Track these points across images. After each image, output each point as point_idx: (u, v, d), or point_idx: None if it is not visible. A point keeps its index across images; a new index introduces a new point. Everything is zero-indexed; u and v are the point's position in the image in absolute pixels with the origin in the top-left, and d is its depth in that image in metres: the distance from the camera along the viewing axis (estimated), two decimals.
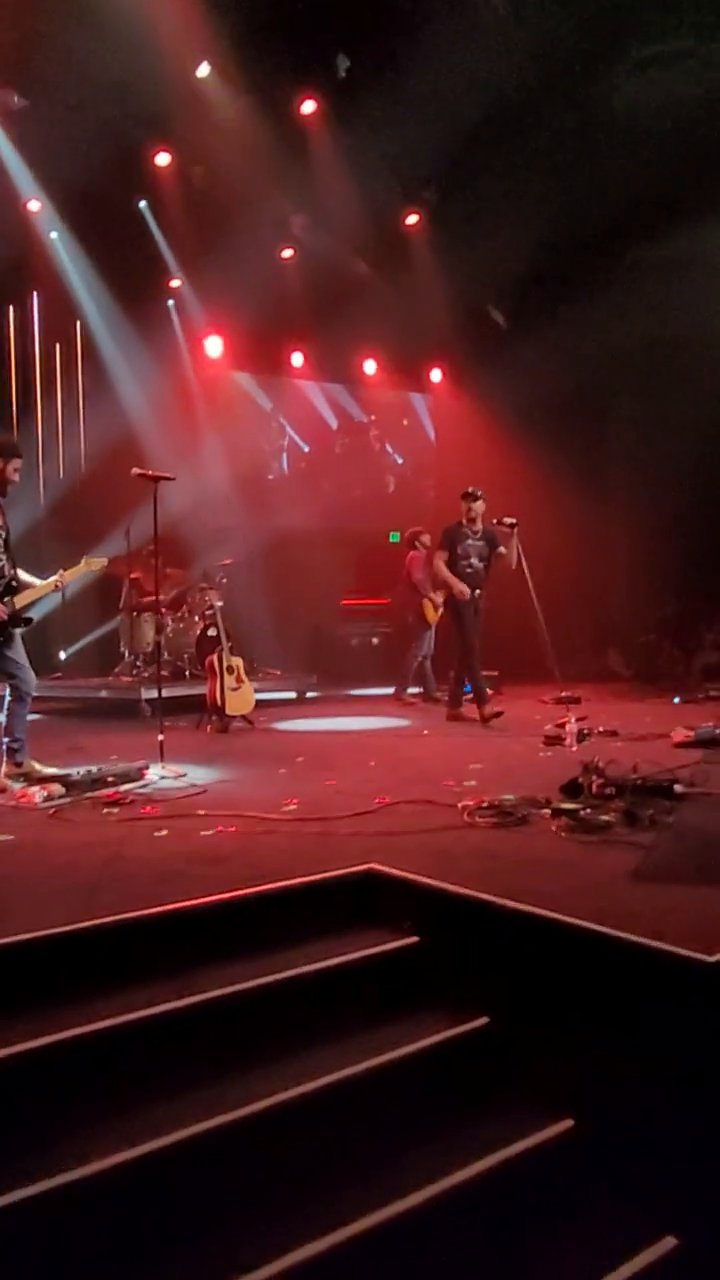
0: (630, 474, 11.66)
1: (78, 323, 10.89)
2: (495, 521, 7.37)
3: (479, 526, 7.49)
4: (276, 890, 2.99)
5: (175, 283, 11.24)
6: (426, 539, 9.57)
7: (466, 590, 7.34)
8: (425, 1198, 2.25)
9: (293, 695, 9.74)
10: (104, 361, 10.71)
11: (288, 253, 11.40)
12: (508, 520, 7.31)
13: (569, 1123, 2.49)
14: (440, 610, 9.38)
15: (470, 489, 7.59)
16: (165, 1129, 2.23)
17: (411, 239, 11.26)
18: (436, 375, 13.60)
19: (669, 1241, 2.24)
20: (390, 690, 9.70)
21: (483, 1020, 2.73)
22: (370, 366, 13.22)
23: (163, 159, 9.71)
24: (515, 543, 7.28)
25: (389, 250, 11.20)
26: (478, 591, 7.42)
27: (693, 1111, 2.33)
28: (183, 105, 8.86)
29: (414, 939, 2.96)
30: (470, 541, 7.46)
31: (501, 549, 7.39)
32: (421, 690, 9.45)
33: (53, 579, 5.23)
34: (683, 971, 2.36)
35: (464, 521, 7.50)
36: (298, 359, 12.70)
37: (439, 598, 9.38)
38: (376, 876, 3.14)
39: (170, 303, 11.47)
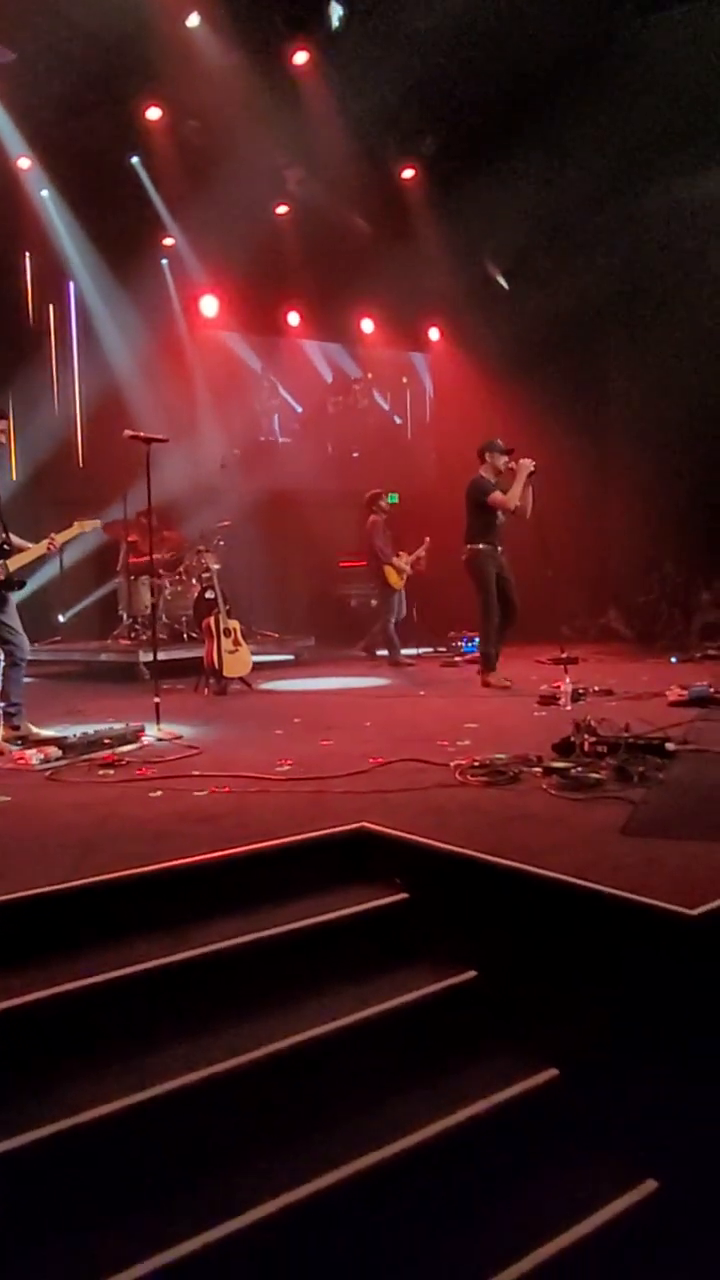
0: (630, 434, 11.58)
1: (70, 283, 10.77)
2: (507, 465, 7.16)
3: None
4: (267, 848, 3.02)
5: (169, 241, 11.09)
6: (385, 503, 9.50)
7: (527, 502, 7.02)
8: (414, 1142, 2.31)
9: (290, 657, 9.75)
10: (96, 322, 10.60)
11: (283, 209, 11.23)
12: (526, 463, 7.06)
13: (553, 1072, 2.54)
14: (405, 574, 9.38)
15: (496, 441, 7.30)
16: (159, 1079, 2.28)
17: (408, 193, 11.07)
18: (434, 334, 13.45)
19: (649, 1184, 2.31)
20: (409, 650, 9.70)
21: (470, 974, 2.77)
22: (368, 325, 13.08)
23: (154, 114, 9.54)
24: (530, 489, 7.03)
25: (386, 205, 11.02)
26: (500, 549, 7.22)
27: (673, 1061, 2.38)
28: (173, 58, 8.68)
29: (404, 895, 3.00)
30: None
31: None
32: (387, 654, 9.41)
33: (45, 542, 5.23)
34: (666, 925, 2.39)
35: (489, 475, 7.20)
36: (294, 318, 12.57)
37: (400, 561, 9.37)
38: (367, 834, 3.17)
39: (164, 261, 11.33)
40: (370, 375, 13.57)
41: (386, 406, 13.78)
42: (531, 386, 11.16)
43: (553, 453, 7.90)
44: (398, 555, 9.45)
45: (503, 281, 11.34)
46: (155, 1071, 2.31)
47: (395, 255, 11.23)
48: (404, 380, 13.83)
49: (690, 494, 10.72)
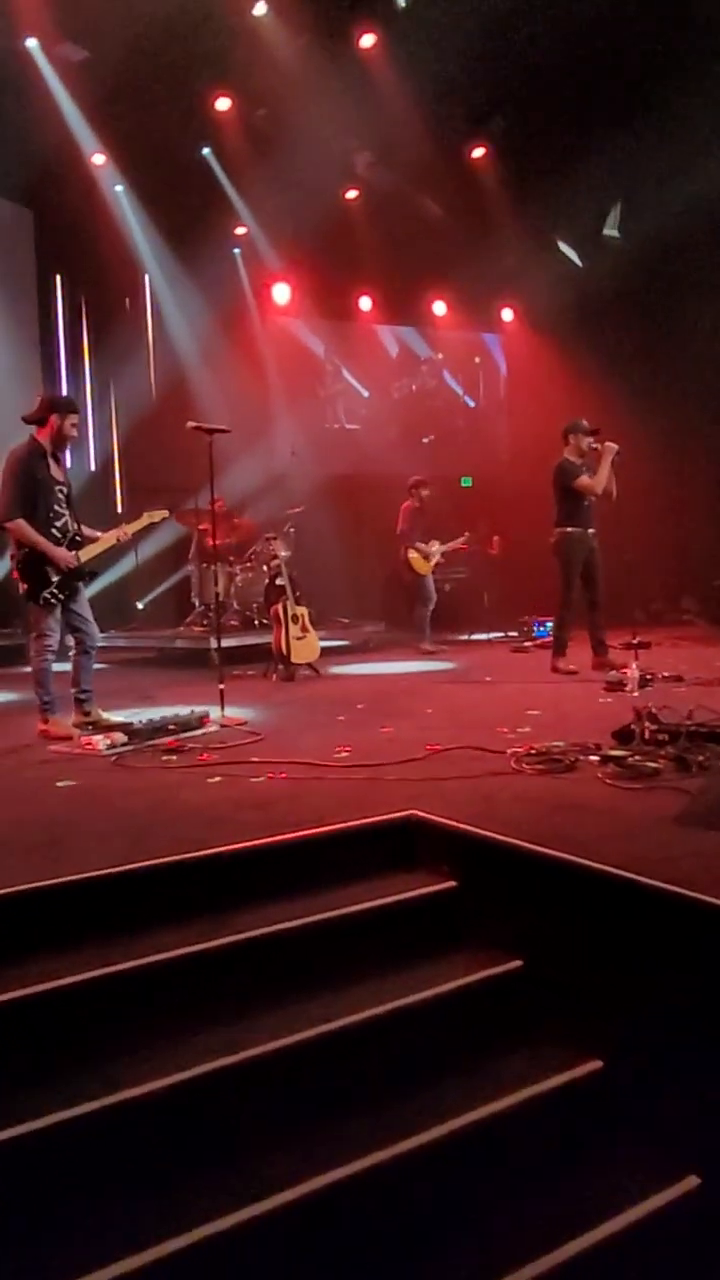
0: (709, 411, 11.23)
1: (145, 275, 10.96)
2: (591, 447, 7.02)
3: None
4: (316, 835, 3.06)
5: (241, 230, 11.18)
6: (426, 492, 9.38)
7: (612, 484, 6.90)
8: (454, 1128, 2.33)
9: (357, 642, 9.78)
10: (170, 314, 10.77)
11: (353, 194, 11.21)
12: (611, 445, 6.92)
13: (598, 1064, 2.53)
14: (433, 560, 9.25)
15: (581, 422, 7.16)
16: (202, 1059, 2.34)
17: (479, 173, 10.92)
18: (508, 314, 13.26)
19: (692, 1180, 2.28)
20: (479, 635, 9.64)
21: (517, 963, 2.77)
22: (440, 308, 12.98)
23: (223, 104, 9.62)
24: (611, 470, 6.88)
25: (456, 186, 10.90)
26: (591, 531, 7.08)
27: (711, 1058, 2.33)
28: (241, 47, 8.74)
29: (452, 883, 3.01)
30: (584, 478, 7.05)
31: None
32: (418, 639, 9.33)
33: (114, 532, 5.36)
34: (711, 918, 2.34)
35: (574, 457, 7.06)
36: (366, 303, 12.56)
37: (428, 548, 9.25)
38: (417, 822, 3.19)
39: (236, 251, 11.43)
40: (442, 357, 13.47)
41: (460, 389, 13.66)
42: (607, 365, 10.93)
43: (630, 432, 7.71)
44: (426, 542, 9.34)
45: (575, 258, 11.10)
46: (200, 1052, 2.37)
47: (466, 236, 11.11)
48: (477, 361, 13.68)
49: None
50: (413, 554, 9.31)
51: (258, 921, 2.72)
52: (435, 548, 9.42)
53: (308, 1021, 2.48)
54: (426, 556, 9.33)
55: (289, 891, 2.89)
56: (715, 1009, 2.36)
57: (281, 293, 11.76)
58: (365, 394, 12.97)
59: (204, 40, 8.51)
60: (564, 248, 11.28)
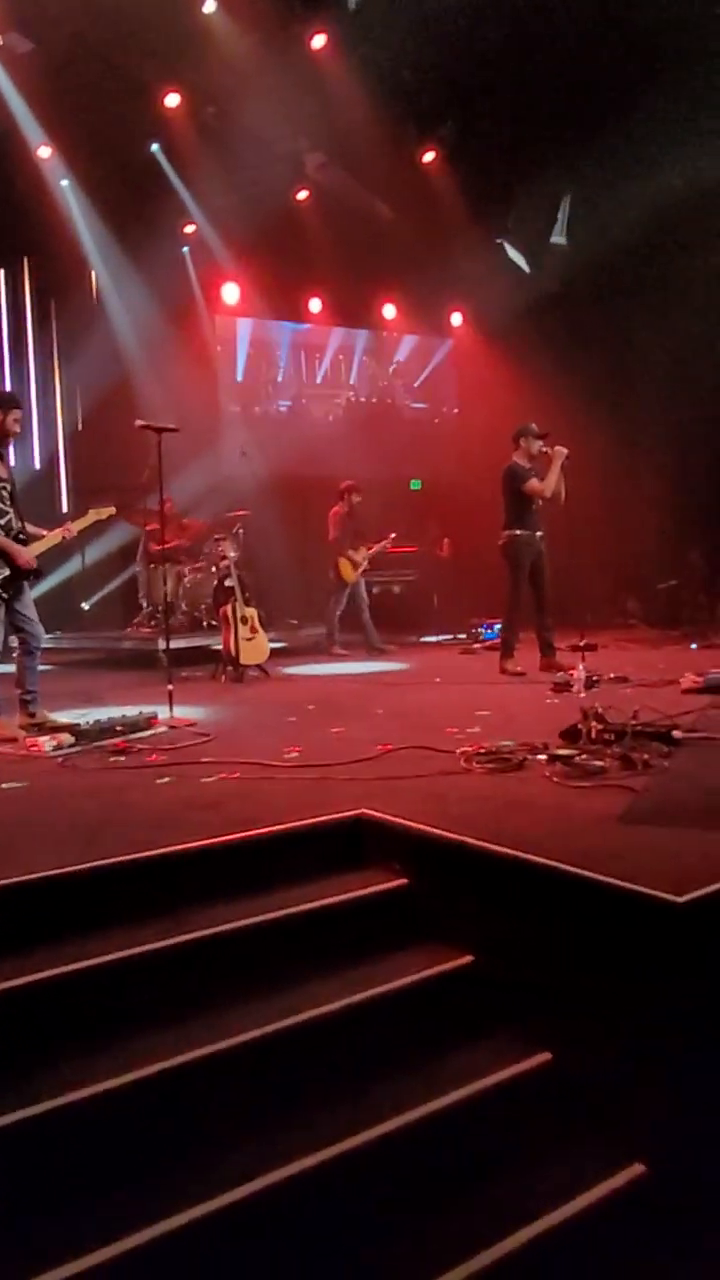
0: (655, 417, 11.46)
1: (92, 271, 10.83)
2: (541, 450, 7.11)
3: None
4: (267, 834, 3.07)
5: (190, 228, 11.12)
6: (357, 498, 9.41)
7: (560, 488, 6.99)
8: (407, 1121, 2.35)
9: (307, 644, 9.79)
10: (116, 311, 10.66)
11: (303, 194, 11.22)
12: (561, 450, 7.03)
13: (547, 1056, 2.57)
14: (360, 568, 9.30)
15: (530, 425, 7.24)
16: (155, 1059, 2.33)
17: (430, 177, 11.01)
18: (457, 318, 13.38)
19: (637, 1168, 2.33)
20: (393, 647, 9.71)
21: (467, 959, 2.80)
22: (390, 311, 13.06)
23: (173, 100, 9.55)
24: (561, 474, 6.98)
25: (407, 189, 10.97)
26: (539, 534, 7.17)
27: (663, 1047, 2.39)
28: (191, 44, 8.70)
29: (402, 881, 3.03)
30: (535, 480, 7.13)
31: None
32: (364, 639, 9.40)
33: (59, 530, 5.30)
34: (655, 912, 2.40)
35: (524, 460, 7.15)
36: (316, 304, 12.57)
37: (358, 556, 9.30)
38: (367, 821, 3.20)
39: (185, 249, 11.36)
40: (396, 361, 13.54)
41: (421, 406, 13.76)
42: (555, 370, 11.08)
43: (578, 437, 7.84)
44: (355, 549, 9.37)
45: (523, 264, 11.25)
46: (152, 1051, 2.36)
47: (417, 239, 11.20)
48: (427, 366, 13.78)
49: (717, 477, 10.61)
50: (343, 561, 9.31)
51: (211, 920, 2.72)
52: (363, 554, 9.43)
53: (262, 1019, 2.48)
54: (355, 565, 9.34)
55: (242, 891, 2.89)
56: (661, 1001, 2.42)
57: (231, 292, 11.72)
58: (316, 396, 12.98)
59: (153, 36, 8.46)
60: (512, 253, 11.42)
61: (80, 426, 10.74)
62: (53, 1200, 2.06)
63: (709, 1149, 2.35)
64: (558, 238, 10.90)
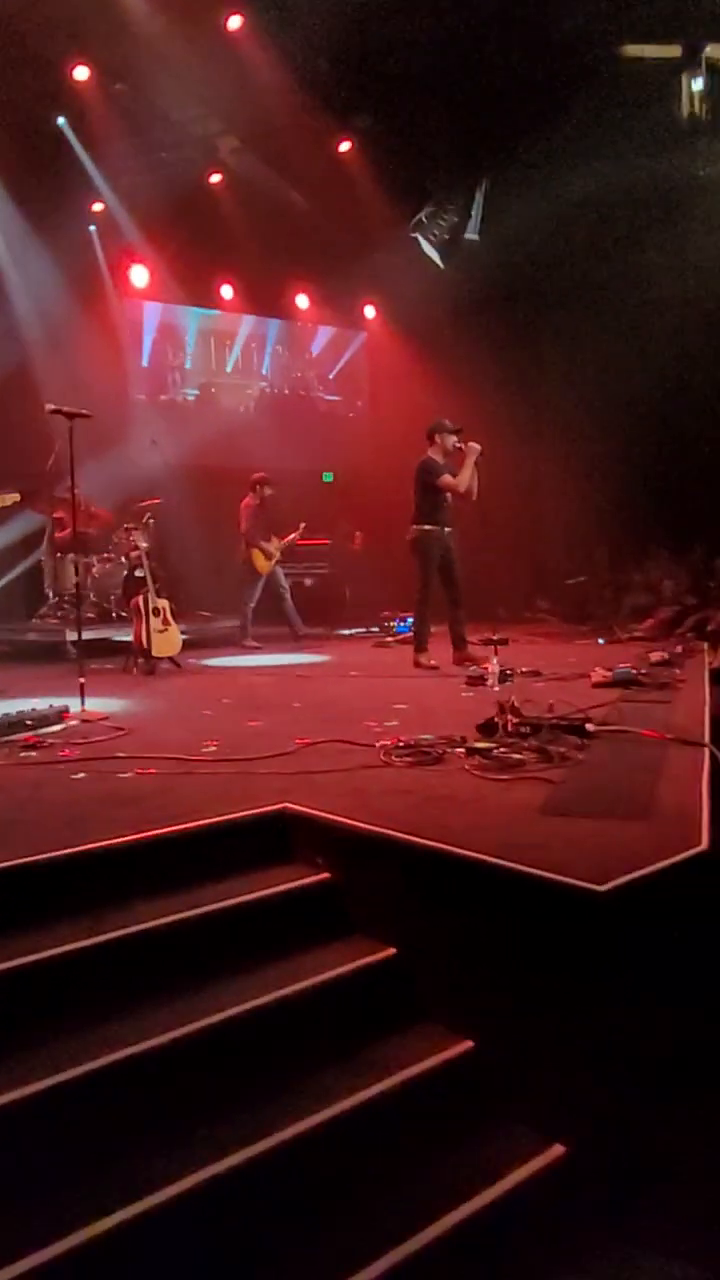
0: (565, 415, 11.72)
1: None
2: (456, 447, 7.14)
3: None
4: (189, 830, 3.02)
5: (98, 206, 10.81)
6: (269, 490, 9.43)
7: (474, 484, 7.03)
8: (336, 1112, 2.36)
9: (220, 636, 9.68)
10: (16, 290, 10.28)
11: (216, 178, 11.05)
12: (474, 446, 7.08)
13: (469, 1044, 2.61)
14: (274, 559, 9.34)
15: (445, 421, 7.28)
16: (76, 1060, 2.28)
17: (345, 167, 10.97)
18: (370, 311, 13.40)
19: (557, 1149, 2.39)
20: (319, 630, 9.72)
21: (390, 952, 2.82)
22: (303, 301, 12.97)
23: (82, 73, 9.25)
24: (474, 470, 7.03)
25: (322, 179, 10.89)
26: (449, 529, 7.21)
27: (583, 1032, 2.45)
28: (101, 18, 8.42)
29: (325, 875, 3.03)
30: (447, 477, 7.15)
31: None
32: (289, 628, 9.44)
33: None
34: (578, 901, 2.46)
35: (438, 456, 7.17)
36: (227, 291, 12.40)
37: (270, 547, 9.33)
38: (289, 815, 3.19)
39: (92, 228, 11.04)
40: (311, 353, 13.48)
41: (333, 398, 13.71)
42: (467, 367, 11.21)
43: (491, 434, 7.94)
44: (267, 540, 9.38)
45: (437, 259, 11.33)
46: (73, 1053, 2.31)
47: (331, 230, 11.14)
48: (341, 358, 13.77)
49: (624, 476, 10.91)
50: (255, 553, 9.27)
51: (134, 918, 2.67)
52: (275, 545, 9.40)
53: (187, 1016, 2.45)
54: (268, 555, 9.31)
55: (164, 887, 2.84)
56: (582, 988, 2.48)
57: (139, 275, 11.44)
58: (226, 385, 12.82)
59: (62, 6, 8.18)
60: (426, 248, 11.48)
61: None
62: None
63: (626, 1130, 2.43)
64: (471, 234, 11.00)
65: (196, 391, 12.51)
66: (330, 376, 13.74)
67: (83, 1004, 2.49)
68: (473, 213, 10.81)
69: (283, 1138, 2.26)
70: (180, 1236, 2.06)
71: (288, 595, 9.44)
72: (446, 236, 11.53)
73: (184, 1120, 2.28)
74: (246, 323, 12.90)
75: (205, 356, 12.67)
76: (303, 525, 9.68)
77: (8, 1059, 2.28)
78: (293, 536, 9.56)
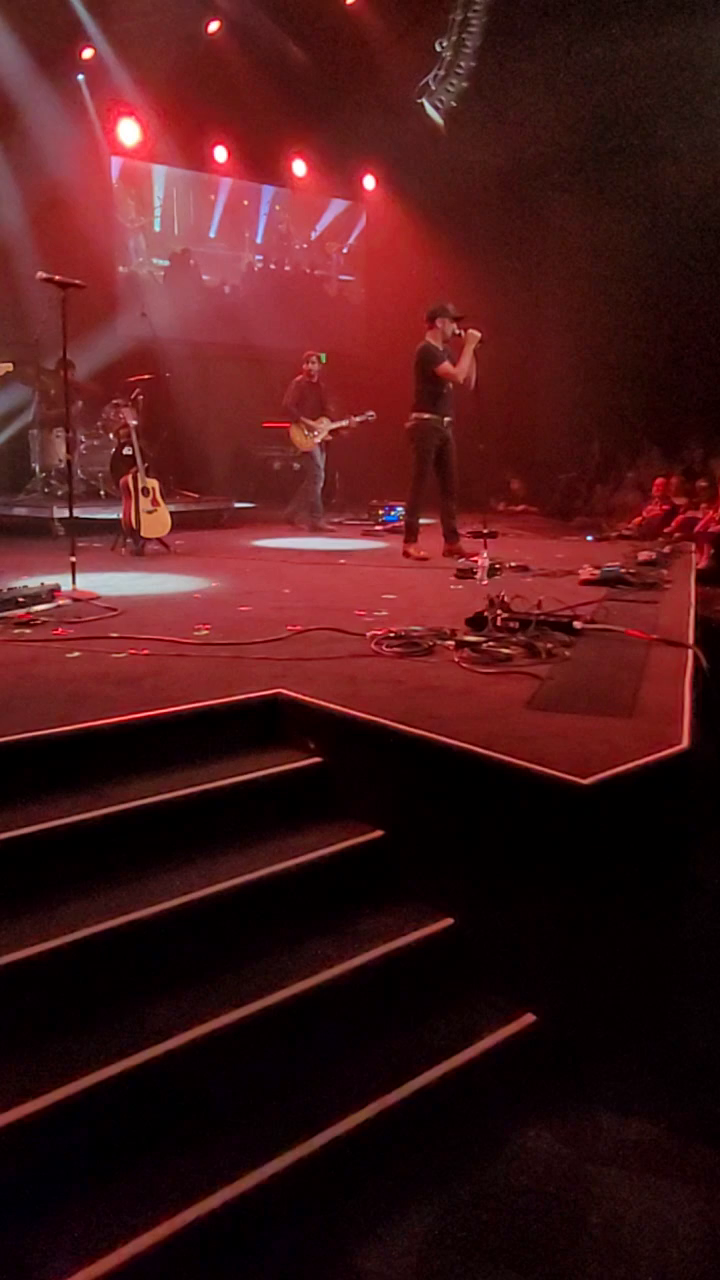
0: (566, 301, 11.40)
1: None
2: (455, 333, 6.94)
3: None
4: (185, 711, 3.09)
5: (88, 53, 10.12)
6: (311, 364, 9.22)
7: (473, 373, 6.83)
8: (321, 980, 2.49)
9: (207, 517, 9.62)
10: (6, 140, 9.71)
11: (214, 25, 10.35)
12: (475, 333, 6.87)
13: (449, 921, 2.76)
14: (314, 435, 9.21)
15: (447, 305, 7.03)
16: (75, 926, 2.39)
17: (352, 19, 10.28)
18: (370, 182, 12.81)
19: (528, 1017, 2.56)
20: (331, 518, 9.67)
21: (377, 834, 2.94)
22: (300, 167, 12.37)
23: None
24: (474, 359, 6.84)
25: (327, 31, 10.23)
26: (448, 419, 7.07)
27: (553, 913, 2.60)
28: None
29: (317, 759, 3.13)
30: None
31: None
32: (309, 519, 9.40)
33: None
34: (560, 793, 2.56)
35: (437, 341, 6.96)
36: (221, 153, 11.78)
37: (318, 425, 9.18)
38: (283, 700, 3.26)
39: (80, 77, 10.36)
40: (317, 230, 12.90)
41: (325, 274, 13.19)
42: (468, 245, 10.82)
43: (488, 320, 7.72)
44: (315, 418, 9.21)
45: (439, 121, 10.75)
46: (72, 919, 2.42)
47: (332, 89, 10.54)
48: (336, 231, 13.22)
49: (621, 371, 10.71)
50: (294, 428, 9.14)
51: (131, 795, 2.76)
52: (324, 424, 9.24)
53: (183, 888, 2.56)
54: (310, 431, 9.15)
55: (160, 766, 2.93)
56: (555, 870, 2.61)
57: (130, 131, 10.81)
58: (213, 256, 12.28)
59: None
60: (431, 113, 10.89)
61: None
62: None
63: (589, 1001, 2.61)
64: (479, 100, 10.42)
65: (166, 262, 11.85)
66: (325, 251, 13.19)
67: (81, 874, 2.59)
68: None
69: (269, 1001, 2.40)
70: (174, 1087, 2.22)
71: (319, 482, 9.35)
72: (454, 104, 10.95)
73: (178, 984, 2.41)
74: (242, 188, 12.28)
75: (184, 218, 11.95)
76: (370, 414, 9.43)
77: (17, 920, 2.39)
78: (346, 422, 9.34)
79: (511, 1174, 2.21)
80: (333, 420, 9.31)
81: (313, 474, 9.31)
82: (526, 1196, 2.14)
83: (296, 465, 11.34)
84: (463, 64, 10.42)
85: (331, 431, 9.32)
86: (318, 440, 9.22)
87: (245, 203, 12.41)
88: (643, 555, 6.76)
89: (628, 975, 2.67)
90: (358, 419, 9.39)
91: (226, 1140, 2.11)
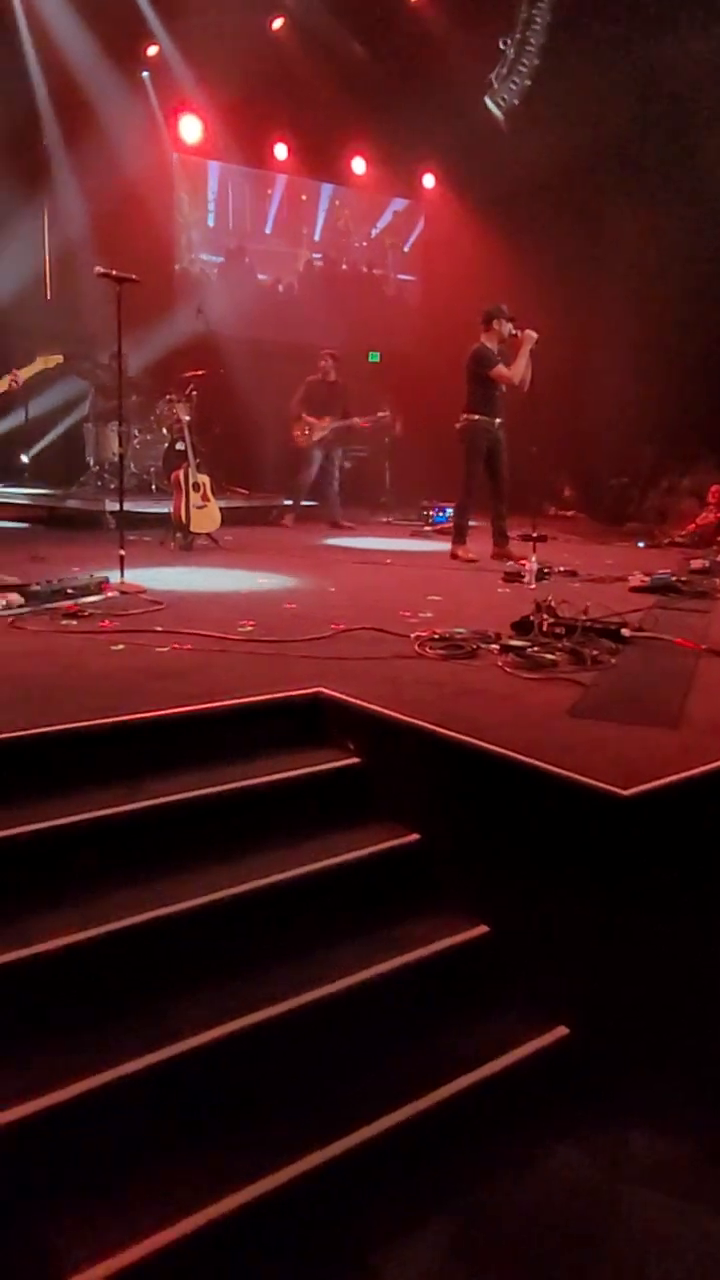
0: (621, 304, 11.21)
1: (33, 86, 9.89)
2: (511, 334, 6.91)
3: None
4: (226, 707, 3.10)
5: (153, 49, 10.22)
6: (324, 364, 9.17)
7: (527, 375, 6.82)
8: (355, 982, 2.48)
9: (256, 515, 9.66)
10: (69, 138, 9.85)
11: (278, 22, 10.38)
12: (531, 334, 6.84)
13: (484, 928, 2.73)
14: (310, 434, 9.18)
15: (502, 307, 7.01)
16: (111, 917, 2.42)
17: (417, 15, 10.24)
18: (429, 180, 12.75)
19: (561, 1030, 2.53)
20: (380, 518, 9.65)
21: (414, 837, 2.92)
22: (360, 165, 12.35)
23: None
24: (529, 360, 6.81)
25: (390, 27, 10.20)
26: (499, 421, 7.06)
27: (590, 924, 2.55)
28: None
29: (356, 760, 3.11)
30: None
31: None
32: (327, 511, 9.42)
33: (6, 378, 5.05)
34: (600, 803, 2.52)
35: (492, 343, 6.94)
36: (281, 151, 11.80)
37: (317, 423, 9.14)
38: (324, 699, 3.26)
39: (145, 74, 10.47)
40: (377, 229, 12.87)
41: (381, 273, 13.16)
42: (526, 244, 10.70)
43: (542, 321, 7.64)
44: (318, 416, 9.19)
45: (500, 116, 10.64)
46: (109, 910, 2.44)
47: (394, 87, 10.50)
48: (396, 229, 13.18)
49: (677, 375, 10.51)
50: (294, 424, 9.15)
51: (172, 789, 2.77)
52: (325, 424, 9.23)
53: (218, 884, 2.57)
54: (308, 430, 9.16)
55: (200, 761, 2.94)
56: (593, 881, 2.57)
57: (192, 128, 10.89)
58: (269, 253, 12.30)
59: None
60: (494, 109, 10.78)
61: (33, 269, 10.03)
62: (13, 1043, 2.15)
63: (623, 1016, 2.56)
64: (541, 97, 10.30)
65: (220, 258, 11.81)
66: (384, 250, 13.14)
67: (120, 866, 2.61)
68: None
69: (300, 1001, 2.39)
70: (204, 1082, 2.22)
71: (336, 481, 9.35)
72: (515, 101, 10.85)
73: (212, 980, 2.42)
74: (302, 186, 12.29)
75: (238, 213, 11.91)
76: (384, 413, 9.42)
77: (44, 912, 2.41)
78: (347, 421, 9.34)
79: (537, 1189, 2.18)
80: (343, 419, 9.25)
81: (305, 468, 9.25)
82: (551, 1213, 2.11)
83: (346, 464, 11.36)
84: (526, 61, 10.33)
85: (338, 430, 9.24)
86: (315, 439, 9.19)
87: (303, 198, 12.40)
88: (695, 563, 6.64)
89: (664, 990, 2.62)
90: (367, 419, 9.36)
91: (250, 1139, 2.11)
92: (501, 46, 10.14)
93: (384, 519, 10.19)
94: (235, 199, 11.90)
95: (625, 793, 2.48)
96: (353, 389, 9.68)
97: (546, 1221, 2.07)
